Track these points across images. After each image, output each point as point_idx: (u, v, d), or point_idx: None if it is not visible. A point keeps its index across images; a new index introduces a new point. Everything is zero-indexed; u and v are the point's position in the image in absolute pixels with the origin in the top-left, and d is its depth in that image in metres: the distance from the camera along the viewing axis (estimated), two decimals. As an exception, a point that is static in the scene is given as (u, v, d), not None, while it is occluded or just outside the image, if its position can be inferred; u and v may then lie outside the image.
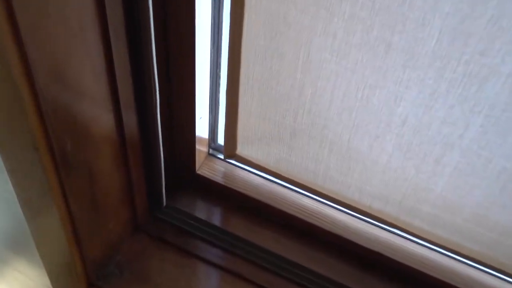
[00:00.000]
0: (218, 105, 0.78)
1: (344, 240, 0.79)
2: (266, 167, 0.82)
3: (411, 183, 0.70)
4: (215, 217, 0.83)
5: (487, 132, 0.58)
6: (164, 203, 0.80)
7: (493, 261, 0.74)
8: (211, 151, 0.85)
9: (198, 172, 0.82)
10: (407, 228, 0.77)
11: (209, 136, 0.83)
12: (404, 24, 0.54)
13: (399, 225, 0.77)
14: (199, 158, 0.82)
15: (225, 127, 0.79)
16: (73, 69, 0.51)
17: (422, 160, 0.67)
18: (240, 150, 0.82)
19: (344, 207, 0.81)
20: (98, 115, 0.58)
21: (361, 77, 0.62)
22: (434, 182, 0.68)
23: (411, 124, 0.63)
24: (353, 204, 0.79)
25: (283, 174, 0.82)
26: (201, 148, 0.82)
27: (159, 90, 0.65)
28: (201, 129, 0.79)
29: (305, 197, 0.83)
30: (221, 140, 0.84)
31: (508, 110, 0.56)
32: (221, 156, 0.85)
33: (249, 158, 0.83)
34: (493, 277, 0.77)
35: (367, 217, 0.81)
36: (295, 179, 0.81)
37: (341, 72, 0.63)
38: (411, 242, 0.80)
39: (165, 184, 0.79)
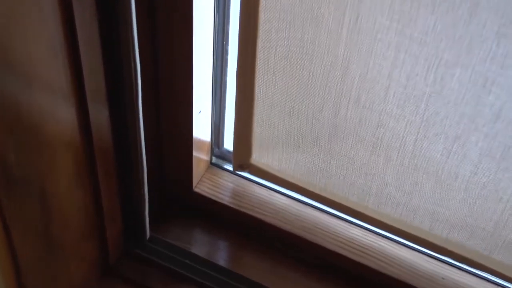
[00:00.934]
0: (225, 93, 0.81)
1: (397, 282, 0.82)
2: (294, 182, 0.85)
3: (508, 205, 0.70)
4: (220, 255, 0.87)
5: None
6: (148, 235, 0.83)
7: None
8: (214, 159, 0.89)
9: (196, 189, 0.86)
10: (501, 271, 0.78)
11: (211, 138, 0.86)
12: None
13: (489, 265, 0.78)
14: (198, 170, 0.87)
15: (234, 126, 0.81)
16: (20, 45, 0.51)
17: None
18: (256, 158, 0.86)
19: (410, 241, 0.84)
20: (54, 110, 0.58)
21: (434, 51, 0.62)
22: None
23: (507, 119, 0.63)
24: (423, 236, 0.81)
25: (318, 192, 0.84)
26: (200, 156, 0.86)
27: (142, 75, 0.66)
28: (201, 128, 0.82)
29: (352, 225, 0.87)
30: (228, 143, 0.88)
31: None
32: (229, 167, 0.89)
33: (269, 170, 0.86)
34: None
35: (443, 254, 0.83)
36: (337, 200, 0.84)
37: (405, 45, 0.63)
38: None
39: (150, 208, 0.81)
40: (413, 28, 0.63)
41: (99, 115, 0.67)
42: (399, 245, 0.86)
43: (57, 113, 0.60)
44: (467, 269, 0.84)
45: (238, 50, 0.75)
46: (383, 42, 0.65)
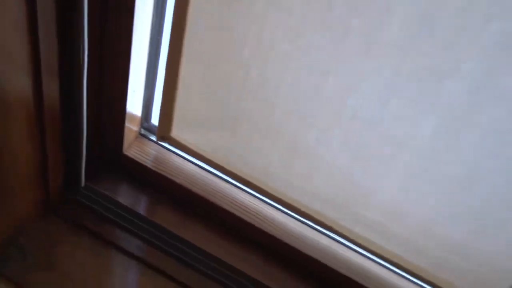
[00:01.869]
0: (156, 78, 0.79)
1: (281, 243, 0.82)
2: (203, 154, 0.84)
3: (357, 185, 0.73)
4: (140, 205, 0.85)
5: (442, 133, 0.63)
6: (83, 184, 0.81)
7: (439, 280, 0.80)
8: (142, 131, 0.87)
9: (126, 152, 0.84)
10: (348, 235, 0.81)
11: (142, 114, 0.84)
12: (367, 5, 0.56)
13: (340, 230, 0.81)
14: (129, 137, 0.83)
15: (161, 105, 0.79)
16: None
17: (370, 160, 0.70)
18: (176, 132, 0.83)
19: (285, 207, 0.84)
20: (12, 76, 0.57)
21: (315, 61, 0.63)
22: (381, 186, 0.72)
23: (361, 118, 0.66)
24: (294, 204, 0.81)
25: (221, 164, 0.84)
26: (131, 126, 0.83)
27: (89, 53, 0.65)
28: (134, 105, 0.79)
29: (242, 192, 0.86)
30: (155, 119, 0.85)
31: (466, 111, 0.61)
32: (154, 138, 0.87)
33: (185, 143, 0.84)
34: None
35: (307, 219, 0.84)
36: (234, 171, 0.84)
37: (294, 54, 0.64)
38: (352, 251, 0.85)
39: (86, 163, 0.79)
40: (301, 42, 0.63)
41: (50, 83, 0.65)
42: (277, 210, 0.86)
43: (15, 79, 0.59)
44: (322, 231, 0.85)
45: (169, 43, 0.73)
46: (277, 50, 0.65)
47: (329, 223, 0.82)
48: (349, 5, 0.59)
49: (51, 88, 0.65)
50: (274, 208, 0.87)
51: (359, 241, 0.82)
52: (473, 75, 0.58)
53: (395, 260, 0.83)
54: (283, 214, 0.86)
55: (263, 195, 0.86)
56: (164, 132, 0.84)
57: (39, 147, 0.69)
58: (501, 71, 0.57)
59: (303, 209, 0.82)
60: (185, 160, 0.88)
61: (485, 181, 0.66)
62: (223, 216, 0.84)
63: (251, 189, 0.86)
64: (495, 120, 0.61)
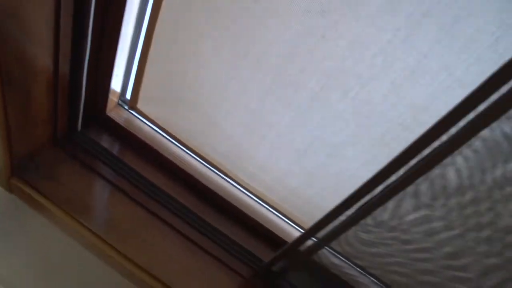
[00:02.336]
0: (132, 68, 0.85)
1: (196, 181, 0.93)
2: (156, 121, 0.93)
3: (243, 148, 0.87)
4: (114, 148, 0.92)
5: (294, 121, 0.78)
6: (79, 129, 0.88)
7: (286, 211, 0.94)
8: (120, 102, 0.93)
9: (108, 114, 0.90)
10: (235, 178, 0.95)
11: (120, 90, 0.91)
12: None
13: (231, 175, 0.95)
14: (110, 105, 0.91)
15: (132, 86, 0.88)
16: (27, 12, 0.55)
17: (252, 134, 0.84)
18: (140, 105, 0.92)
19: (201, 159, 0.94)
20: (41, 54, 0.64)
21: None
22: (258, 150, 0.87)
23: (251, 109, 0.79)
24: (207, 157, 0.94)
25: (167, 129, 0.93)
26: (113, 98, 0.90)
27: (91, 45, 0.71)
28: (116, 84, 0.87)
29: (176, 146, 0.94)
30: (129, 95, 0.92)
31: (307, 111, 0.77)
32: (126, 107, 0.93)
33: (145, 112, 0.93)
34: (285, 223, 0.96)
35: (213, 167, 0.95)
36: (174, 134, 0.93)
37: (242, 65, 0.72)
38: (237, 189, 0.96)
39: (82, 116, 0.86)
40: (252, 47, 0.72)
41: (64, 61, 0.70)
42: (196, 161, 0.94)
43: (42, 56, 0.64)
44: (222, 176, 0.93)
45: (142, 45, 0.78)
46: (222, 57, 0.72)
47: (225, 170, 0.94)
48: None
49: (64, 63, 0.71)
50: (194, 159, 0.95)
51: (241, 182, 0.93)
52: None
53: (262, 196, 0.94)
54: (199, 162, 0.94)
55: (189, 150, 0.94)
56: (133, 104, 0.92)
57: (53, 100, 0.76)
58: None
59: (212, 160, 0.93)
60: (145, 124, 0.94)
61: (313, 152, 0.81)
62: (166, 162, 0.93)
63: (182, 146, 0.93)
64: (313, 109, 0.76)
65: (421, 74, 0.66)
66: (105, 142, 0.93)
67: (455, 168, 0.63)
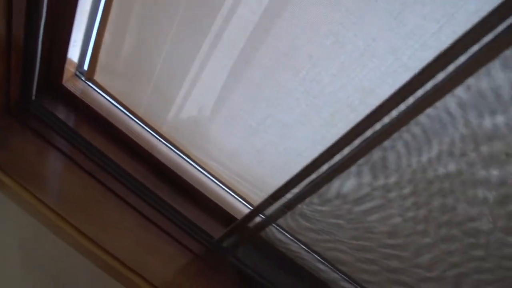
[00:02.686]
0: (90, 39, 0.84)
1: (151, 156, 0.94)
2: (113, 93, 0.94)
3: (198, 125, 0.88)
4: (70, 120, 0.91)
5: (245, 98, 0.81)
6: (33, 98, 0.87)
7: (238, 188, 0.96)
8: (77, 72, 0.93)
9: (64, 83, 0.90)
10: (191, 156, 0.95)
11: (78, 61, 0.91)
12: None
13: (186, 152, 0.95)
14: (67, 75, 0.90)
15: (90, 57, 0.88)
16: None
17: (206, 110, 0.85)
18: (97, 77, 0.92)
19: (157, 134, 0.95)
20: None
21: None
22: (210, 127, 0.88)
23: (203, 84, 0.81)
24: (163, 133, 0.95)
25: (122, 101, 0.94)
26: (70, 68, 0.90)
27: (47, 9, 0.71)
28: (73, 54, 0.88)
29: (132, 121, 0.95)
30: (86, 66, 0.91)
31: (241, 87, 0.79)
32: (83, 78, 0.93)
33: (103, 84, 0.93)
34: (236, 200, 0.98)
35: (169, 143, 0.95)
36: (130, 107, 0.94)
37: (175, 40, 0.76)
38: (191, 165, 0.97)
39: (37, 85, 0.85)
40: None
41: (18, 26, 0.70)
42: (149, 134, 0.94)
43: None
44: (175, 150, 0.94)
45: (101, 15, 0.78)
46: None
47: (180, 146, 0.95)
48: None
49: (18, 27, 0.71)
50: (150, 134, 0.95)
51: (195, 158, 0.95)
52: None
53: (214, 173, 0.96)
54: (155, 138, 0.95)
55: (143, 123, 0.94)
56: (90, 75, 0.92)
57: (6, 67, 0.75)
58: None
59: (166, 135, 0.94)
60: (102, 97, 0.94)
61: (265, 130, 0.83)
62: (121, 136, 0.93)
63: (138, 120, 0.94)
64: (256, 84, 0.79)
65: (369, 57, 0.68)
66: (60, 112, 0.92)
67: (395, 150, 0.66)
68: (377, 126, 0.65)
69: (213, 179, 0.96)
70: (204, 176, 0.97)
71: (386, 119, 0.64)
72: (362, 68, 0.69)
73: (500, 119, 0.60)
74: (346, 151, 0.69)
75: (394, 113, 0.63)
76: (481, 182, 0.68)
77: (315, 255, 0.85)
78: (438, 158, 0.65)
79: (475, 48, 0.56)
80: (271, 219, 0.80)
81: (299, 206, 0.76)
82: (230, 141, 0.88)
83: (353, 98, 0.72)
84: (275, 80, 0.74)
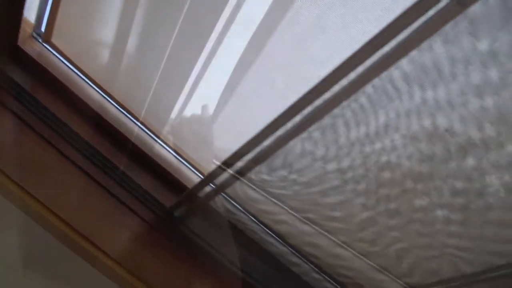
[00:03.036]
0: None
1: (107, 123, 0.94)
2: (70, 57, 0.93)
3: (156, 93, 0.89)
4: (26, 83, 0.90)
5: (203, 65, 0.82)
6: None
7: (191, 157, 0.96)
8: (34, 34, 0.92)
9: (20, 45, 0.89)
10: (146, 124, 0.96)
11: (35, 21, 0.90)
12: None
13: (142, 120, 0.95)
14: (23, 35, 0.89)
15: (47, 18, 0.87)
16: None
17: (164, 78, 0.85)
18: (55, 39, 0.91)
19: (113, 101, 0.95)
20: None
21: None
22: (168, 95, 0.88)
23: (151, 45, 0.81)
24: (119, 99, 0.94)
25: (79, 65, 0.93)
26: (26, 28, 0.89)
27: None
28: (30, 13, 0.87)
29: (90, 87, 0.95)
30: (44, 28, 0.90)
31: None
32: (40, 40, 0.92)
33: (60, 47, 0.92)
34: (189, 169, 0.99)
35: (125, 110, 0.95)
36: (88, 72, 0.93)
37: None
38: (146, 133, 0.96)
39: None
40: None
41: None
42: (105, 100, 0.94)
43: None
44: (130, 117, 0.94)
45: None
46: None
47: (136, 114, 0.95)
48: None
49: None
50: (107, 100, 0.95)
51: (151, 127, 0.95)
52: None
53: (168, 141, 0.96)
54: (111, 105, 0.95)
55: (104, 93, 0.94)
56: (47, 37, 0.90)
57: None
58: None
59: (121, 101, 0.94)
60: (59, 60, 0.93)
61: (220, 99, 0.84)
62: (78, 101, 0.92)
63: (96, 86, 0.94)
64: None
65: (322, 29, 0.69)
66: (16, 75, 0.91)
67: (342, 119, 0.67)
68: (327, 95, 0.66)
69: (167, 147, 0.96)
70: (159, 145, 0.97)
71: (336, 88, 0.65)
72: (315, 40, 0.69)
73: (440, 93, 0.62)
74: (297, 118, 0.69)
75: (344, 81, 0.64)
76: (424, 157, 0.70)
77: (263, 227, 0.85)
78: (380, 131, 0.66)
79: (419, 22, 0.57)
80: (220, 188, 0.80)
81: (248, 175, 0.77)
82: (186, 108, 0.88)
83: (306, 70, 0.72)
84: (230, 49, 0.75)
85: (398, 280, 0.86)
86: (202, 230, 0.92)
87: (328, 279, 0.90)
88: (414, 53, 0.60)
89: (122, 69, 0.89)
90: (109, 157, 0.92)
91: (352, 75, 0.64)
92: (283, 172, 0.76)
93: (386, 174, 0.72)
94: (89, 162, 0.92)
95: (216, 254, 0.91)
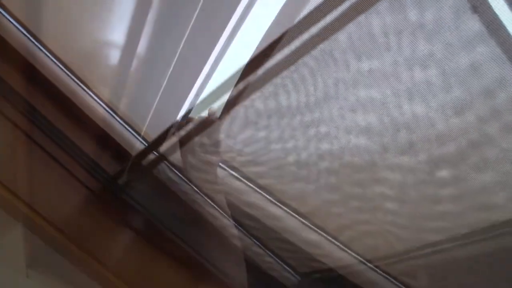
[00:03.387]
0: None
1: (52, 85, 0.89)
2: (20, 18, 0.86)
3: (100, 55, 0.88)
4: None
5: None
6: None
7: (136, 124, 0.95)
8: None
9: None
10: (92, 88, 0.93)
11: None
12: None
13: (89, 84, 0.92)
14: None
15: None
16: None
17: (107, 43, 0.86)
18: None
19: (59, 62, 0.90)
20: None
21: None
22: (110, 58, 0.88)
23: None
24: (65, 61, 0.90)
25: (28, 26, 0.87)
26: None
27: None
28: None
29: (38, 49, 0.89)
30: None
31: None
32: None
33: (8, 7, 0.84)
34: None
35: (71, 72, 0.90)
36: (36, 34, 0.87)
37: None
38: (92, 98, 0.93)
39: None
40: None
41: None
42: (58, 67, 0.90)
43: None
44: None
45: None
46: None
47: (83, 78, 0.91)
48: None
49: None
50: (53, 63, 0.89)
51: (97, 92, 0.92)
52: None
53: (114, 106, 0.93)
54: (56, 66, 0.90)
55: (51, 55, 0.89)
56: None
57: None
58: None
59: (68, 63, 0.90)
60: (12, 24, 0.86)
61: (160, 64, 0.82)
62: (20, 58, 0.86)
63: (44, 48, 0.88)
64: None
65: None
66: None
67: (284, 89, 0.68)
68: (271, 62, 0.66)
69: (112, 113, 0.94)
70: (104, 111, 0.94)
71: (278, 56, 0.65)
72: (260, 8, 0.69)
73: (375, 63, 0.62)
74: (240, 86, 0.69)
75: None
76: (362, 130, 0.71)
77: (205, 197, 0.85)
78: (320, 102, 0.67)
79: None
80: (163, 157, 0.79)
81: (190, 144, 0.76)
82: (126, 72, 0.86)
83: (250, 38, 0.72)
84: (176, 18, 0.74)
85: (335, 255, 0.87)
86: (144, 198, 0.91)
87: (269, 253, 0.90)
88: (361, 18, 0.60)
89: (70, 29, 0.87)
90: (52, 120, 0.90)
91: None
92: (229, 142, 0.75)
93: (325, 146, 0.72)
94: (32, 125, 0.89)
95: (158, 223, 0.90)
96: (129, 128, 0.93)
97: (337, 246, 0.89)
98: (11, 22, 0.87)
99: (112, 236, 0.93)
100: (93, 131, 0.93)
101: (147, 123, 0.91)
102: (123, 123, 0.94)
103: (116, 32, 0.83)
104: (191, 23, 0.73)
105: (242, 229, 0.88)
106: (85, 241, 0.88)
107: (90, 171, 0.92)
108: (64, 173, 0.90)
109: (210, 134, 0.75)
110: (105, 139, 0.93)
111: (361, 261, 0.86)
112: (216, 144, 0.78)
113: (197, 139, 0.76)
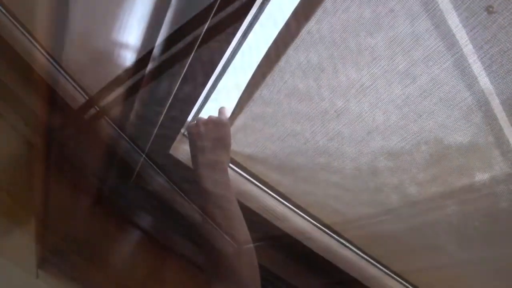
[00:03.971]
0: None
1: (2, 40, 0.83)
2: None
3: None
4: None
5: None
6: None
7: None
8: None
9: None
10: (40, 41, 0.86)
11: None
12: None
13: (37, 38, 0.86)
14: None
15: None
16: None
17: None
18: None
19: (8, 13, 0.83)
20: None
21: None
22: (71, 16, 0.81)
23: None
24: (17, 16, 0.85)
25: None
26: None
27: None
28: None
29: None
30: None
31: None
32: None
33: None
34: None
35: (21, 25, 0.84)
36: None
37: None
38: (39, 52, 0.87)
39: None
40: None
41: None
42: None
43: None
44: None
45: None
46: None
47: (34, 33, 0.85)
48: None
49: None
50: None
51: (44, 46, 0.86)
52: None
53: (59, 60, 0.87)
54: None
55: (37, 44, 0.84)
56: None
57: None
58: None
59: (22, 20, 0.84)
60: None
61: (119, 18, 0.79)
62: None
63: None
64: None
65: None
66: None
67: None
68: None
69: (56, 65, 0.89)
70: (52, 66, 0.88)
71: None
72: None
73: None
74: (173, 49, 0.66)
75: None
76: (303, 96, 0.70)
77: (140, 152, 0.83)
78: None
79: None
80: (104, 112, 0.77)
81: (131, 100, 0.74)
82: (81, 25, 0.82)
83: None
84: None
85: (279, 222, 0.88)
86: (84, 152, 0.88)
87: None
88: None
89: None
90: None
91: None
92: (169, 102, 0.73)
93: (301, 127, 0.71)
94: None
95: (92, 178, 0.89)
96: (71, 82, 0.89)
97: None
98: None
99: (51, 185, 0.91)
100: (36, 84, 0.88)
101: (89, 77, 0.87)
102: (67, 76, 0.89)
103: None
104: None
105: (181, 192, 0.86)
106: (24, 193, 0.88)
107: (29, 125, 0.89)
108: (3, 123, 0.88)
109: (152, 91, 0.72)
110: (47, 92, 0.88)
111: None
112: (156, 100, 0.75)
113: (137, 95, 0.73)
